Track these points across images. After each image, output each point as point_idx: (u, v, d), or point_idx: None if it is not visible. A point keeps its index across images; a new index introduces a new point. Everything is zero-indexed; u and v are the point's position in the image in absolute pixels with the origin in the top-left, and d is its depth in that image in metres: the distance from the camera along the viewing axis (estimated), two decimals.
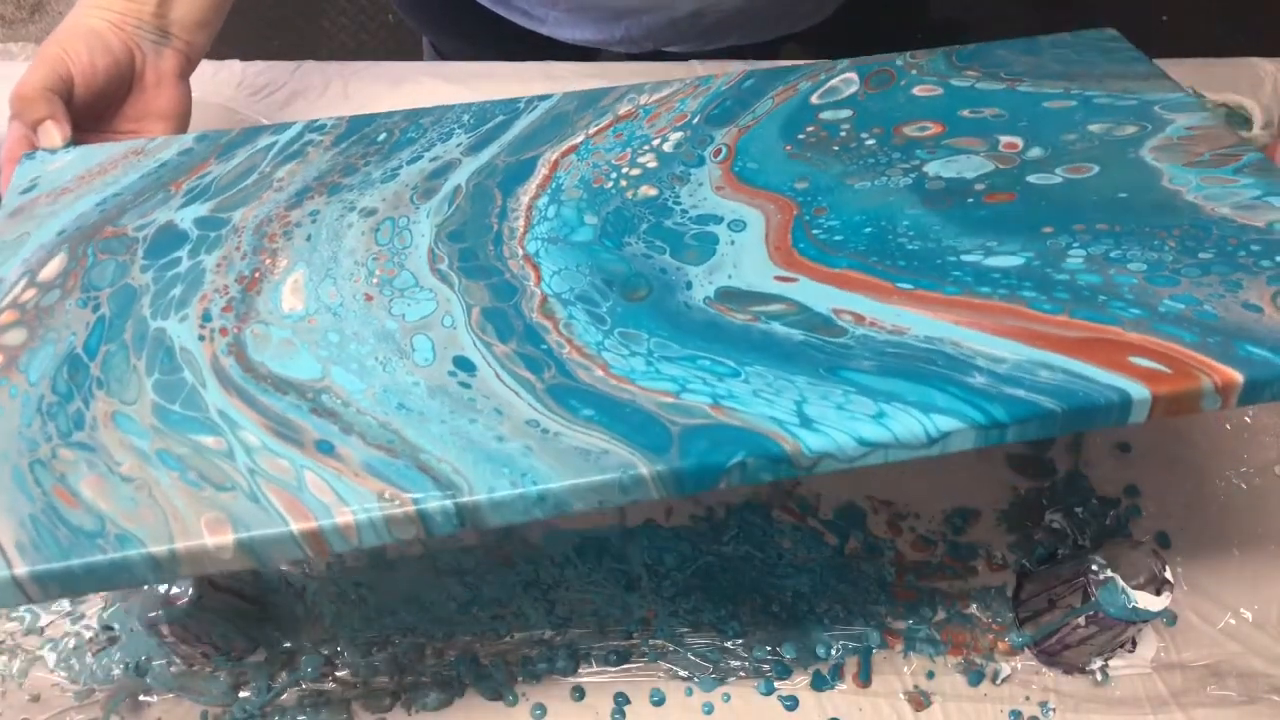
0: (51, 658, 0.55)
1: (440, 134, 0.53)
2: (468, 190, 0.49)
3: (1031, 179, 0.49)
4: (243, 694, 0.54)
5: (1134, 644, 0.56)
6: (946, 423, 0.37)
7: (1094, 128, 0.51)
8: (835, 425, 0.37)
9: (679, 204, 0.48)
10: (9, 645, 0.55)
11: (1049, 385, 0.38)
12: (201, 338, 0.42)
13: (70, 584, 0.34)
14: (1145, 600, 0.49)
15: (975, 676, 0.56)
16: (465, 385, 0.39)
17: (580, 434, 0.37)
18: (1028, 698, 0.55)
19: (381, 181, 0.50)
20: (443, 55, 0.97)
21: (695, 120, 0.53)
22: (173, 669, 0.55)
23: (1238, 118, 0.73)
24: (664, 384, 0.39)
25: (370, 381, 0.40)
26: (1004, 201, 0.47)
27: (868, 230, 0.46)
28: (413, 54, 1.05)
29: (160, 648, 0.54)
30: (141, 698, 0.54)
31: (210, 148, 0.53)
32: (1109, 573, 0.50)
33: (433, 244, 0.46)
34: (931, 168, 0.50)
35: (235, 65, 0.71)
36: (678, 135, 0.52)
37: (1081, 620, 0.52)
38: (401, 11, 0.96)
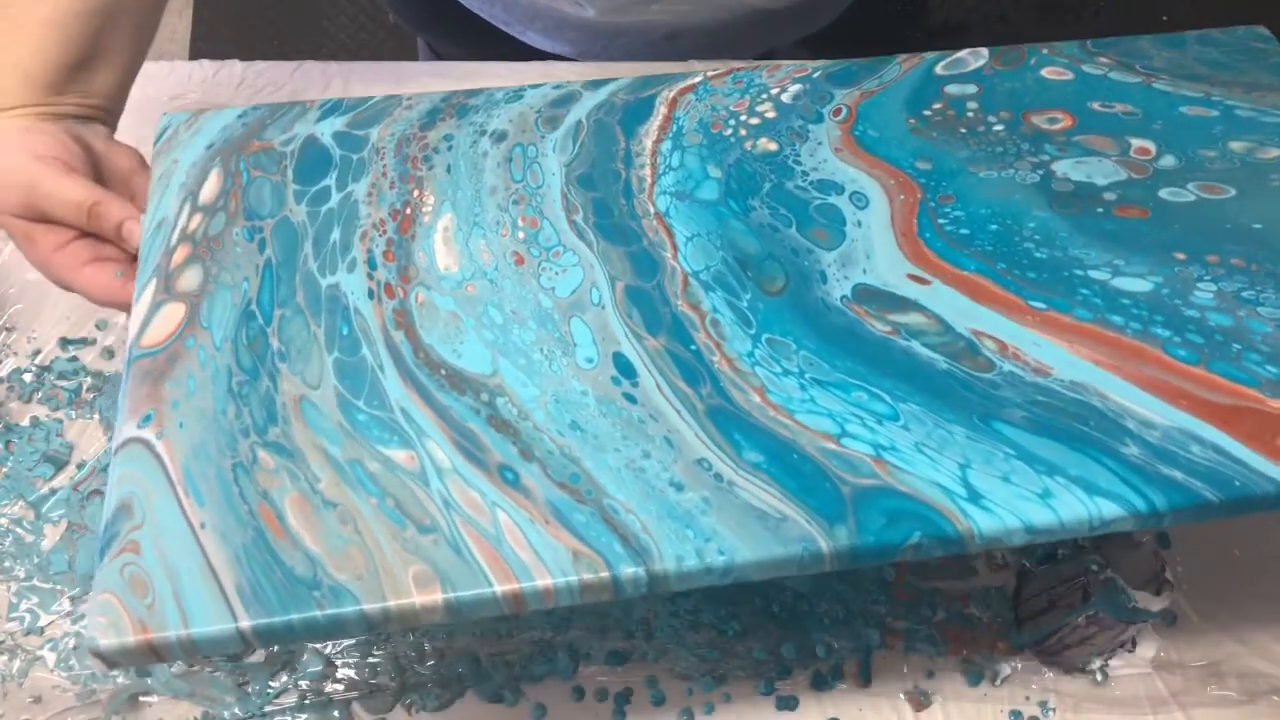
0: (52, 658, 0.55)
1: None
2: (589, 127, 0.50)
3: (1164, 194, 0.47)
4: (243, 694, 0.54)
5: (1134, 644, 0.56)
6: (1110, 509, 0.37)
7: (1235, 145, 0.49)
8: (1004, 505, 0.37)
9: (799, 164, 0.48)
10: (9, 645, 0.55)
11: (1204, 467, 0.38)
12: (371, 293, 0.43)
13: (288, 636, 0.35)
14: (1145, 600, 0.49)
15: (975, 676, 0.56)
16: (630, 398, 0.40)
17: (752, 486, 0.38)
18: (1028, 698, 0.55)
19: (506, 102, 0.51)
20: (438, 56, 0.97)
21: (816, 75, 0.52)
22: (173, 669, 0.55)
23: None
24: (823, 421, 0.39)
25: (541, 385, 0.41)
26: (1135, 217, 0.46)
27: (994, 227, 0.46)
28: (413, 54, 1.05)
29: None
30: (141, 698, 0.54)
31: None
32: (1109, 573, 0.50)
33: (564, 187, 0.47)
34: (1060, 167, 0.48)
35: (235, 65, 0.71)
36: (797, 88, 0.51)
37: (1081, 620, 0.52)
38: (395, 12, 0.96)
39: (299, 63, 0.72)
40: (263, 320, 0.42)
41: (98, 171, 0.52)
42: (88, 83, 0.53)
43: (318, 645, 0.55)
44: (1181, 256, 0.44)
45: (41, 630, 0.56)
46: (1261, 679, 0.56)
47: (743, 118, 0.50)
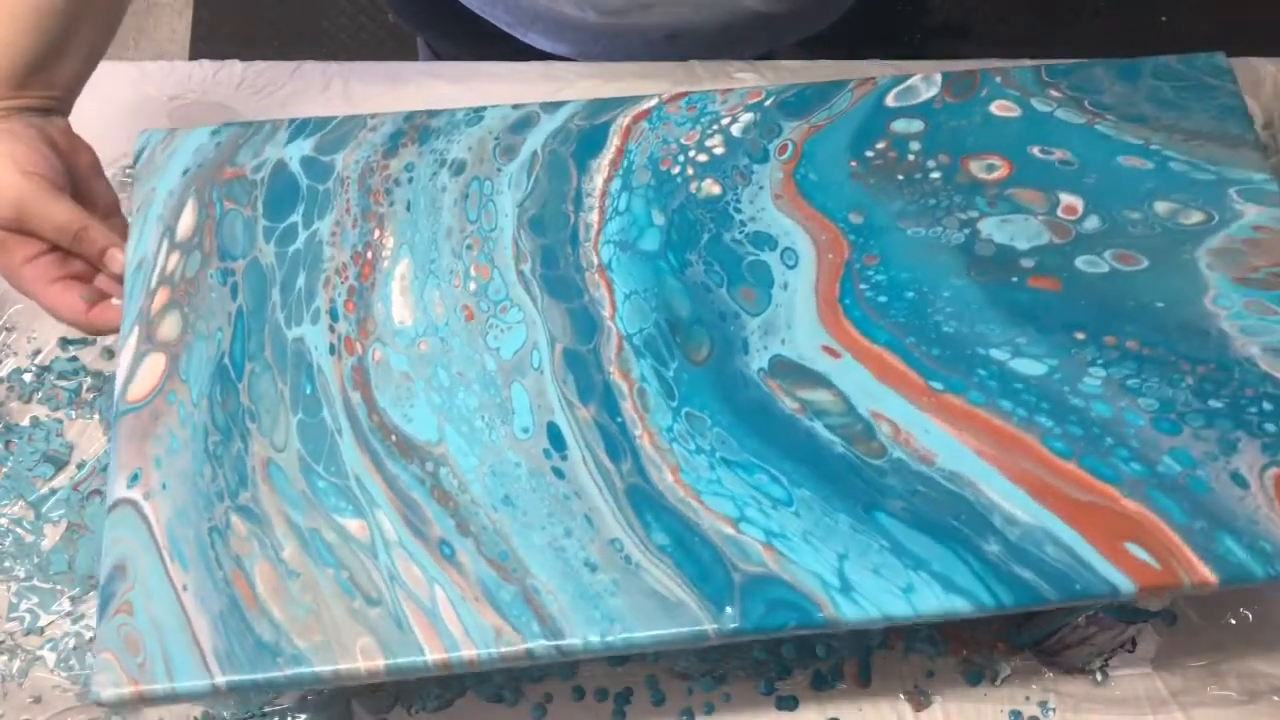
0: (51, 658, 0.55)
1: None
2: (544, 159, 0.52)
3: (1080, 262, 0.48)
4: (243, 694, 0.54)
5: (1134, 644, 0.56)
6: (962, 604, 0.41)
7: (1160, 206, 0.50)
8: (870, 598, 0.42)
9: (739, 211, 0.50)
10: (9, 645, 0.55)
11: (1052, 569, 0.42)
12: (332, 349, 0.47)
13: (253, 691, 0.42)
14: (1145, 600, 0.49)
15: (975, 676, 0.56)
16: (559, 473, 0.44)
17: (657, 570, 0.42)
18: (1028, 698, 0.55)
19: (466, 125, 0.53)
20: (438, 56, 0.97)
21: (769, 103, 0.53)
22: None
23: None
24: (726, 505, 0.44)
25: (480, 455, 0.45)
26: (1047, 289, 0.48)
27: (910, 295, 0.48)
28: (413, 54, 1.05)
29: None
30: None
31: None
32: None
33: (516, 233, 0.50)
34: (986, 226, 0.49)
35: (235, 65, 0.71)
36: (748, 117, 0.52)
37: (1081, 620, 0.52)
38: (395, 12, 0.96)
39: (299, 63, 0.71)
40: (235, 375, 0.46)
41: (71, 179, 0.52)
42: (52, 75, 0.53)
43: None
44: (1081, 336, 0.47)
45: (41, 630, 0.56)
46: (1261, 679, 0.56)
47: (691, 153, 0.52)
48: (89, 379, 0.62)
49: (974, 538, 0.43)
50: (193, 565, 0.43)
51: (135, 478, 0.44)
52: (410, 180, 0.51)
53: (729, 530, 0.43)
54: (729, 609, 0.42)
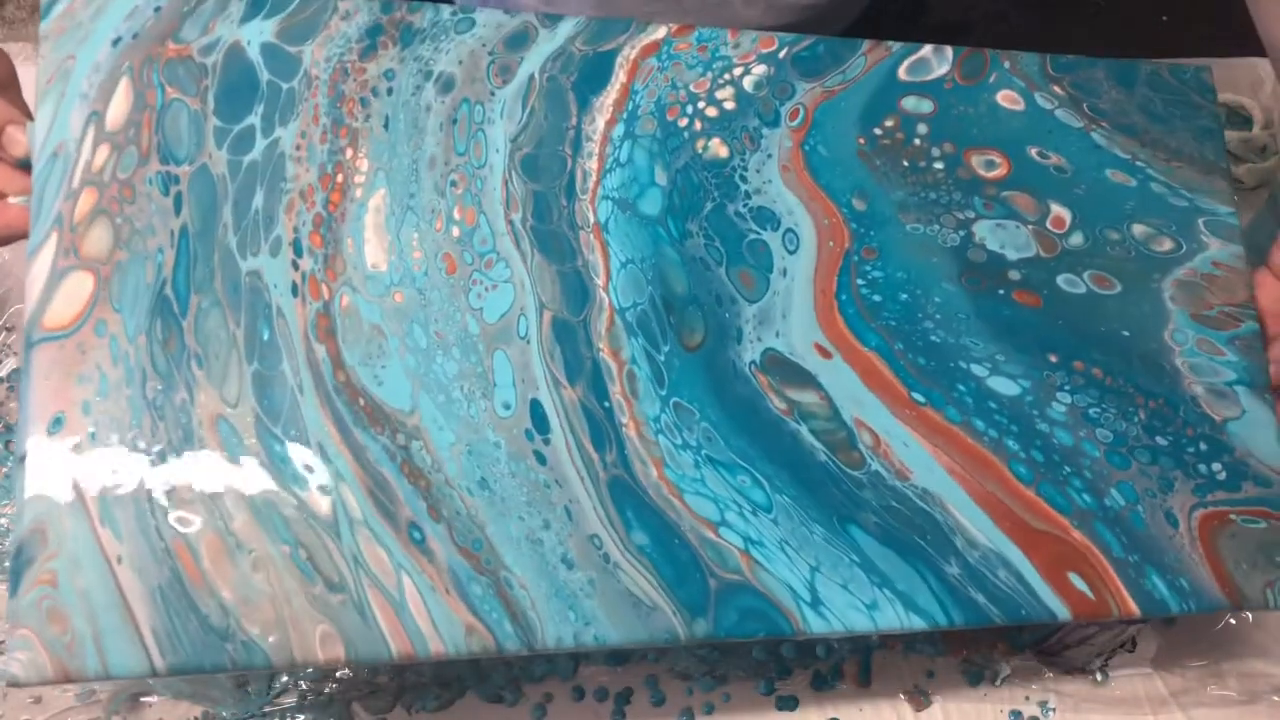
0: None
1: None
2: (542, 86, 0.47)
3: (1061, 280, 0.50)
4: (243, 694, 0.54)
5: (1134, 644, 0.56)
6: (918, 623, 0.44)
7: (1137, 229, 0.51)
8: (836, 612, 0.43)
9: (745, 181, 0.48)
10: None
11: (1003, 594, 0.45)
12: (295, 289, 0.41)
13: (199, 672, 0.38)
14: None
15: (975, 676, 0.56)
16: (540, 458, 0.42)
17: (634, 571, 0.42)
18: (1028, 698, 0.55)
19: (456, 31, 0.46)
20: None
21: (782, 55, 0.50)
22: None
23: (1238, 118, 0.73)
24: (707, 507, 0.43)
25: (457, 431, 0.42)
26: (1029, 305, 0.49)
27: (904, 297, 0.48)
28: None
29: None
30: (142, 698, 0.54)
31: None
32: None
33: (507, 173, 0.45)
34: (981, 230, 0.50)
35: None
36: (761, 69, 0.50)
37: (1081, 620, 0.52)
38: None
39: None
40: (179, 309, 0.40)
41: None
42: None
43: None
44: (1054, 359, 0.48)
45: None
46: (1261, 679, 0.56)
47: (700, 104, 0.48)
48: None
49: (937, 559, 0.45)
50: (128, 533, 0.37)
51: (58, 422, 0.38)
52: (390, 92, 0.45)
53: (709, 534, 0.43)
54: (701, 618, 0.42)
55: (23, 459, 0.38)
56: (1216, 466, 0.48)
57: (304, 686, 0.55)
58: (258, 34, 0.44)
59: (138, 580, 0.37)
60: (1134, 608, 0.45)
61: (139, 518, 0.38)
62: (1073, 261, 0.50)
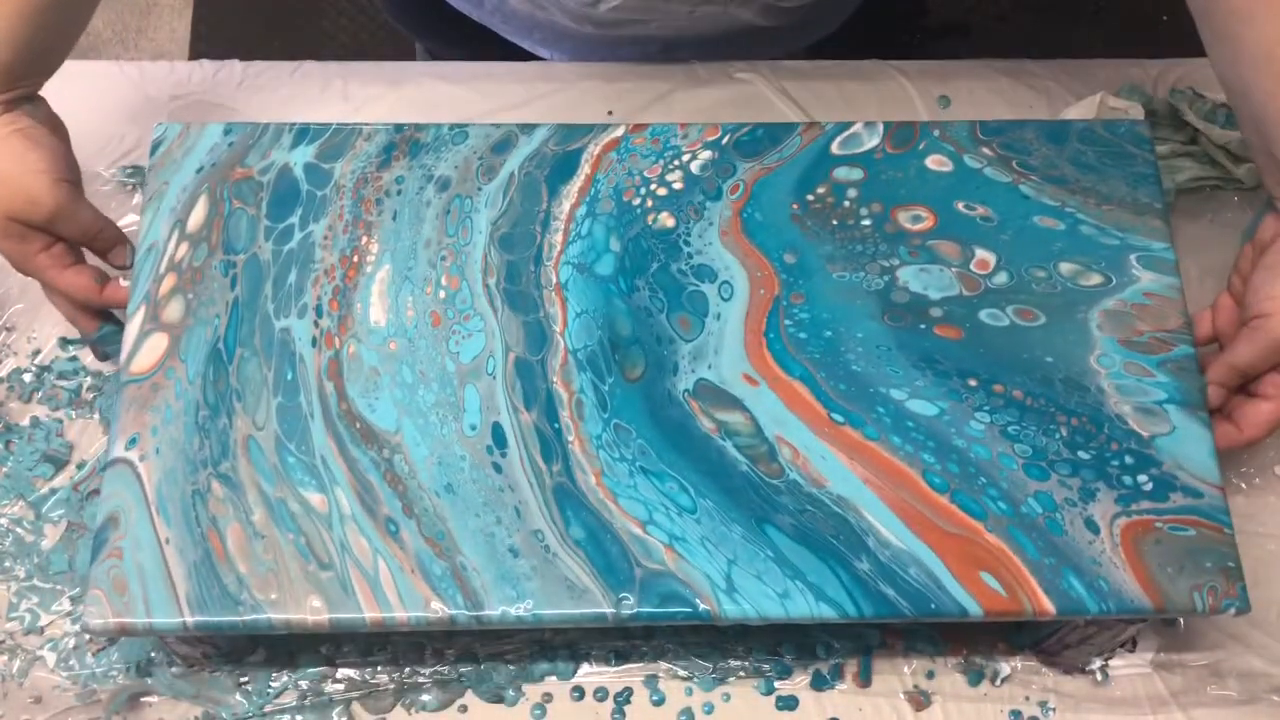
0: (52, 658, 0.55)
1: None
2: (520, 180, 0.56)
3: (983, 315, 0.53)
4: (243, 694, 0.54)
5: (1134, 644, 0.56)
6: (828, 612, 0.47)
7: (1065, 267, 0.54)
8: (750, 599, 0.47)
9: (688, 244, 0.55)
10: (9, 645, 0.55)
11: (913, 589, 0.47)
12: (314, 341, 0.52)
13: (216, 631, 0.48)
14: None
15: (975, 676, 0.56)
16: (497, 468, 0.50)
17: (570, 560, 0.48)
18: (1028, 698, 0.55)
19: (453, 142, 0.58)
20: (435, 58, 0.97)
21: (725, 141, 0.58)
22: (173, 669, 0.55)
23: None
24: (638, 508, 0.49)
25: (430, 447, 0.50)
26: (950, 337, 0.52)
27: (827, 334, 0.53)
28: (413, 55, 1.05)
29: (161, 648, 0.55)
30: (142, 698, 0.54)
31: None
32: None
33: (487, 249, 0.55)
34: (904, 274, 0.54)
35: (235, 65, 0.71)
36: (706, 154, 0.57)
37: (1081, 620, 0.52)
38: (392, 17, 0.95)
39: (299, 63, 0.71)
40: (226, 358, 0.52)
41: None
42: (49, 64, 0.56)
43: (317, 645, 0.55)
44: (973, 383, 0.51)
45: (41, 630, 0.56)
46: (1261, 679, 0.56)
47: (653, 186, 0.56)
48: (89, 379, 0.62)
49: (848, 555, 0.48)
50: (175, 521, 0.48)
51: (133, 441, 0.50)
52: (399, 192, 0.56)
53: (637, 531, 0.48)
54: (627, 598, 0.47)
55: (108, 466, 0.50)
56: (1143, 478, 0.49)
57: (304, 687, 0.55)
58: (302, 156, 0.57)
59: (179, 557, 0.48)
60: (1049, 606, 0.47)
61: (184, 511, 0.49)
62: (996, 298, 0.53)
